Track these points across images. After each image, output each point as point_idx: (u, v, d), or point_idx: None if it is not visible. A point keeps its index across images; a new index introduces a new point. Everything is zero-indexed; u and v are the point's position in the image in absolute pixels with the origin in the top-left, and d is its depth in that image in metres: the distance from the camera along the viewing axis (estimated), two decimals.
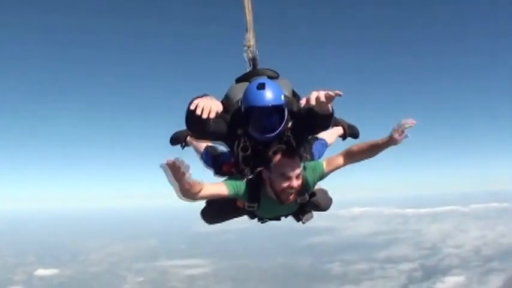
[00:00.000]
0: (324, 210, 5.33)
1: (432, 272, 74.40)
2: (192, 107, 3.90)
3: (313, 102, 3.84)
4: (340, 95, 3.78)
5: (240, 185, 4.42)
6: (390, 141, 4.40)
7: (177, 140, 5.96)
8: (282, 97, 4.33)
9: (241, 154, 4.48)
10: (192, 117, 4.07)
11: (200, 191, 4.10)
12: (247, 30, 5.71)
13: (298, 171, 4.27)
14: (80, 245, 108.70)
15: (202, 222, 5.26)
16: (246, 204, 4.55)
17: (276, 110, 4.29)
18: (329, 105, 4.01)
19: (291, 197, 4.37)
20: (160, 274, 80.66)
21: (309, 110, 4.11)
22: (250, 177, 4.44)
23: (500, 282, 66.71)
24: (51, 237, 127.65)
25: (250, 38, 5.65)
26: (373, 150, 4.52)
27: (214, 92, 4.48)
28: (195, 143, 5.75)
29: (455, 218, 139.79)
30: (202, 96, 4.03)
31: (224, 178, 4.79)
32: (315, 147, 5.25)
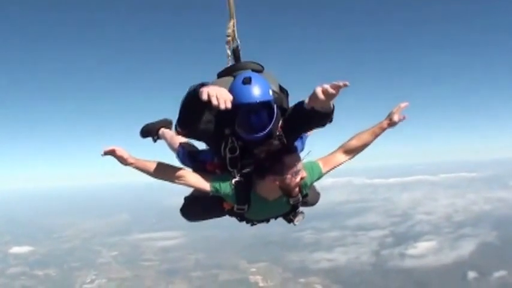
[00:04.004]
0: (312, 205, 5.06)
1: (403, 238, 75.67)
2: (205, 97, 3.46)
3: (321, 96, 3.58)
4: (347, 86, 3.51)
5: (226, 186, 4.20)
6: (390, 125, 4.32)
7: (148, 132, 5.56)
8: (270, 92, 3.94)
9: (228, 155, 4.14)
10: (191, 110, 3.84)
11: (181, 177, 4.12)
12: (230, 17, 5.12)
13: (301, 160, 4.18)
14: (53, 223, 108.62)
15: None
16: (236, 206, 4.33)
17: (265, 107, 3.90)
18: (330, 102, 3.78)
19: (297, 189, 4.25)
20: (133, 247, 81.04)
21: (308, 109, 3.89)
22: (238, 179, 4.18)
23: (472, 247, 67.87)
24: (24, 216, 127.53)
25: (232, 26, 5.07)
26: (374, 138, 4.39)
27: None
28: (168, 137, 5.30)
29: (425, 187, 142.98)
30: (205, 85, 3.63)
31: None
32: (299, 140, 4.89)
